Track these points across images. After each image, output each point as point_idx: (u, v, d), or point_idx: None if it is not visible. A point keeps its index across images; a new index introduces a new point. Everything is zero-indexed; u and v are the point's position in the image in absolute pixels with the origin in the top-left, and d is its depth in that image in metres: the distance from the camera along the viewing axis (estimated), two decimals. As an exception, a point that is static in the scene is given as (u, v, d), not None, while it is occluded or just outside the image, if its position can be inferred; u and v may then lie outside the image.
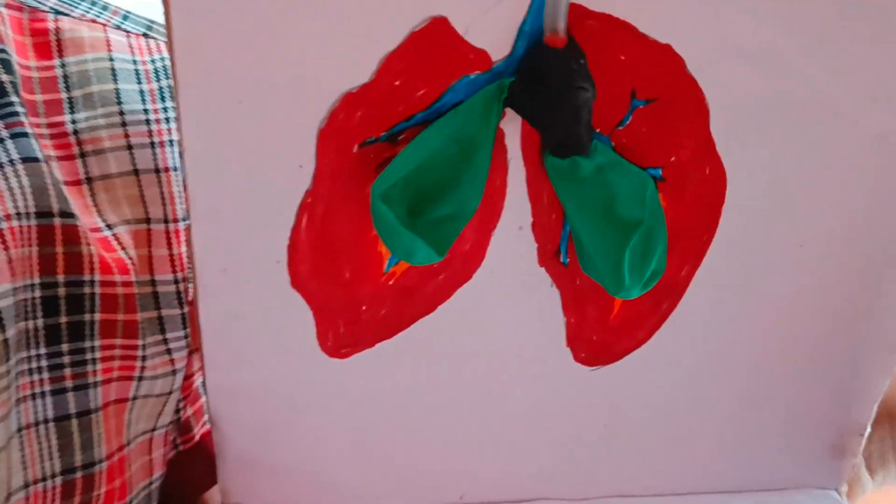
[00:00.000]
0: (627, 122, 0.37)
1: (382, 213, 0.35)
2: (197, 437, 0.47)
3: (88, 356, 0.38)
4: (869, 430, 0.47)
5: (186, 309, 0.42)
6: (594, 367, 0.44)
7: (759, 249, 0.41)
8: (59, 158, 0.38)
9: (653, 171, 0.38)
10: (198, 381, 0.45)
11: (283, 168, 0.37)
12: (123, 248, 0.39)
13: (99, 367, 0.38)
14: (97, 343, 0.38)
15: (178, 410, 0.45)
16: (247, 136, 0.36)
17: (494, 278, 0.41)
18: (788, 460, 0.49)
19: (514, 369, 0.44)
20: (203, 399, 0.46)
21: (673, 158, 0.38)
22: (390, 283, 0.41)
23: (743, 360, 0.45)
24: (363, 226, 0.38)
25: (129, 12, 0.41)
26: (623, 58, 0.35)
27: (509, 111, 0.36)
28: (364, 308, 0.41)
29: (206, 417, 0.47)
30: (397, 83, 0.35)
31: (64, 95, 0.38)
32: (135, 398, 0.41)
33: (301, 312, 0.41)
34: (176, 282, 0.41)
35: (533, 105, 0.35)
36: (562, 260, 0.41)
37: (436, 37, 0.34)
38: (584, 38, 0.35)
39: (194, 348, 0.43)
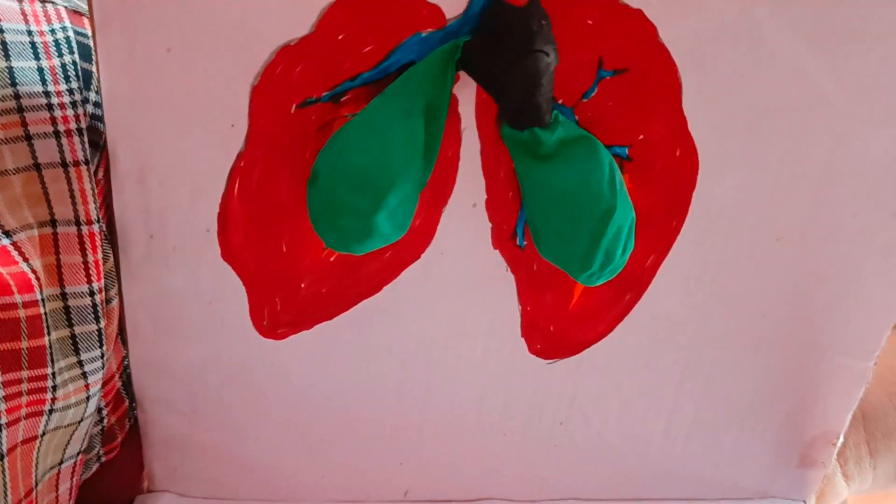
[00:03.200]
0: (593, 94, 0.34)
1: (348, 205, 0.32)
2: (120, 445, 0.43)
3: None
4: (842, 439, 0.45)
5: (103, 323, 0.36)
6: (551, 360, 0.41)
7: (731, 242, 0.38)
8: None
9: (618, 149, 0.35)
10: (119, 384, 0.41)
11: (214, 127, 0.34)
12: (25, 260, 0.33)
13: (3, 406, 0.32)
14: None
15: (101, 421, 0.40)
16: (174, 89, 0.33)
17: (444, 259, 0.38)
18: (754, 469, 0.46)
19: (464, 359, 0.41)
20: (126, 403, 0.42)
21: (641, 137, 0.35)
22: (332, 258, 0.38)
23: (709, 360, 0.42)
24: (302, 194, 0.35)
25: None
26: (590, 22, 0.32)
27: (463, 75, 0.33)
28: (303, 285, 0.38)
29: (128, 424, 0.43)
30: (341, 37, 0.32)
31: None
32: (44, 434, 0.35)
33: (234, 287, 0.38)
34: (91, 293, 0.35)
35: (489, 68, 0.32)
36: (518, 242, 0.38)
37: (384, -13, 0.31)
38: (548, -2, 0.31)
39: (111, 352, 0.38)
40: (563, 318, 0.40)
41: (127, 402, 0.42)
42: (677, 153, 0.36)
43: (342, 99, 0.33)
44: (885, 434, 0.48)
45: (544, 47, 0.32)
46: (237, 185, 0.35)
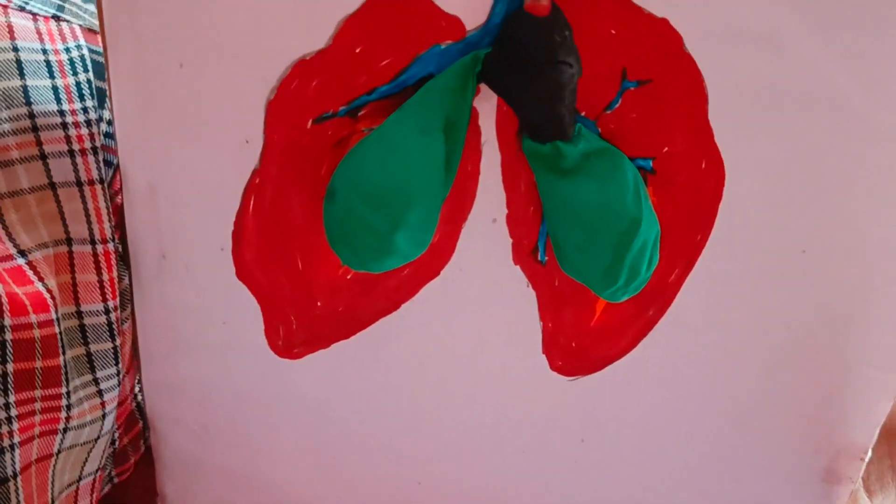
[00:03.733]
0: (616, 106, 0.33)
1: (366, 223, 0.31)
2: (133, 466, 0.42)
3: (2, 415, 0.32)
4: (870, 454, 0.43)
5: (119, 341, 0.36)
6: (572, 378, 0.40)
7: (756, 255, 0.37)
8: None
9: (642, 161, 0.34)
10: (133, 405, 0.40)
11: (228, 143, 0.33)
12: (41, 279, 0.33)
13: (16, 426, 0.32)
14: (11, 399, 0.32)
15: (113, 443, 0.40)
16: (187, 105, 0.32)
17: (464, 275, 0.37)
18: (780, 483, 0.45)
19: (484, 377, 0.40)
20: (140, 424, 0.41)
21: (666, 149, 0.34)
22: (349, 276, 0.37)
23: (735, 375, 0.41)
24: (318, 211, 0.34)
25: None
26: (613, 32, 0.31)
27: (484, 87, 0.32)
28: (319, 303, 0.37)
29: (143, 446, 0.42)
30: (358, 50, 0.31)
31: None
32: (59, 452, 0.35)
33: (248, 306, 0.37)
34: (107, 311, 0.35)
35: (510, 81, 0.31)
36: (539, 258, 0.37)
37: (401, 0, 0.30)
38: (570, 8, 0.31)
39: (126, 371, 0.38)
40: (585, 334, 0.39)
41: (141, 424, 0.42)
42: (703, 165, 0.35)
43: (359, 113, 0.33)
44: None
45: (567, 58, 0.31)
46: (252, 203, 0.34)
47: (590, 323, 0.39)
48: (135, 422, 0.41)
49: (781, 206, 0.36)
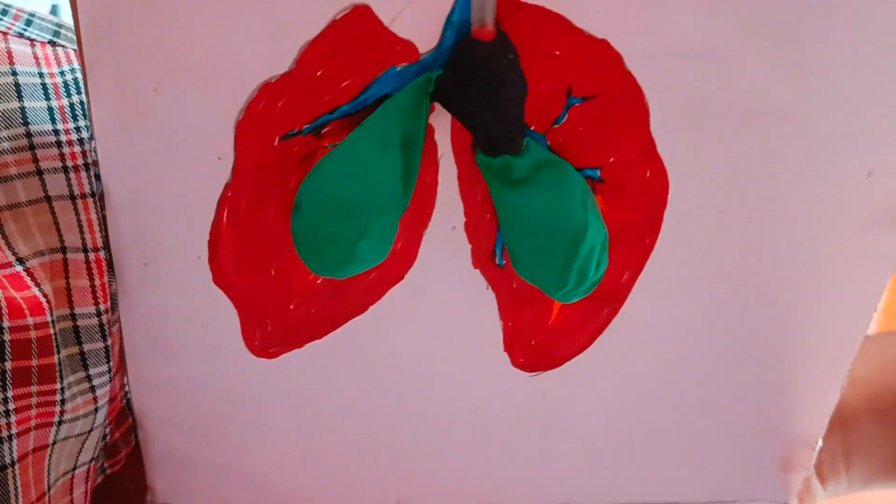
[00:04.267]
0: (563, 121, 0.35)
1: (312, 233, 0.34)
2: (124, 458, 0.45)
3: (1, 408, 0.34)
4: (821, 443, 0.46)
5: (110, 341, 0.38)
6: (534, 373, 0.43)
7: (704, 257, 0.39)
8: None
9: (590, 171, 0.37)
10: (123, 403, 0.43)
11: (202, 160, 0.35)
12: (37, 284, 0.35)
13: (13, 418, 0.35)
14: (9, 394, 0.35)
15: (104, 437, 0.42)
16: (163, 126, 0.34)
17: (427, 279, 0.39)
18: (737, 473, 0.47)
19: (450, 373, 0.42)
20: (130, 420, 0.44)
21: (612, 159, 0.37)
22: (319, 281, 0.39)
23: (687, 370, 0.43)
24: (288, 221, 0.36)
25: (32, 15, 0.38)
26: (558, 53, 0.34)
27: (438, 105, 0.35)
28: (292, 306, 0.40)
29: (133, 440, 0.45)
30: (319, 73, 0.34)
31: None
32: (54, 443, 0.38)
33: (226, 310, 0.39)
34: (98, 314, 0.37)
35: (461, 100, 0.34)
36: (497, 262, 0.39)
37: (359, 26, 0.33)
38: (516, 32, 0.33)
39: (116, 369, 0.40)
40: (544, 332, 0.41)
41: (131, 420, 0.44)
42: (648, 174, 0.37)
43: (323, 131, 0.35)
44: (859, 437, 0.49)
45: (512, 79, 0.33)
46: (226, 214, 0.37)
47: (548, 322, 0.41)
48: (125, 418, 0.44)
49: (725, 212, 0.38)
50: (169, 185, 0.36)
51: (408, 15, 0.33)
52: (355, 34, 0.33)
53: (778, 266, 0.40)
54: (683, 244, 0.39)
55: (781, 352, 0.43)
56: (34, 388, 0.35)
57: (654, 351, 0.42)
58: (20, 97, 0.35)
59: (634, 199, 0.38)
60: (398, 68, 0.34)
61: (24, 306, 0.34)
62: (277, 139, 0.35)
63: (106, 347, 0.38)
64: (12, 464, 0.35)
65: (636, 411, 0.45)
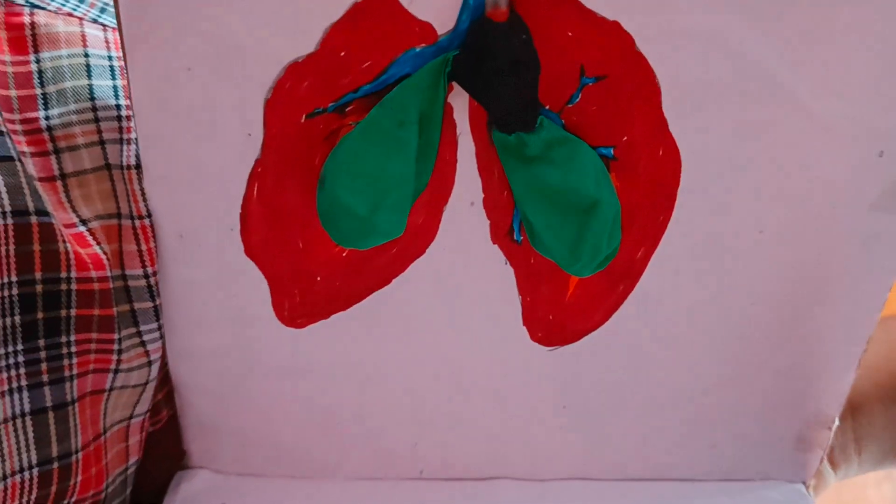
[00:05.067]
0: (577, 100, 0.37)
1: (334, 206, 0.36)
2: (166, 418, 0.48)
3: (64, 350, 0.39)
4: (837, 422, 0.47)
5: (159, 301, 0.42)
6: (552, 348, 0.44)
7: (717, 234, 0.40)
8: (33, 155, 0.38)
9: (604, 150, 0.38)
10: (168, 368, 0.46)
11: (233, 137, 0.37)
12: (98, 243, 0.39)
13: (75, 360, 0.39)
14: (73, 338, 0.39)
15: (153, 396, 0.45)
16: (196, 104, 0.36)
17: (448, 254, 0.41)
18: (754, 451, 0.48)
19: (471, 346, 0.44)
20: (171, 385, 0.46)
21: (625, 138, 0.38)
22: (343, 254, 0.41)
23: (703, 347, 0.44)
24: (314, 196, 0.38)
25: (106, 3, 0.41)
26: (570, 34, 0.35)
27: (457, 85, 0.36)
28: (318, 279, 0.42)
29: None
30: (342, 54, 0.35)
31: (38, 91, 0.38)
32: (111, 389, 0.41)
33: (257, 281, 0.41)
34: (146, 276, 0.41)
35: (476, 80, 0.35)
36: (515, 238, 0.41)
37: (379, 8, 0.34)
38: (529, 13, 0.34)
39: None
40: (561, 307, 0.43)
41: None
42: (660, 153, 0.38)
43: (346, 109, 0.37)
44: (869, 422, 0.50)
45: (525, 59, 0.35)
46: (256, 188, 0.39)
47: (565, 297, 0.43)
48: (168, 381, 0.46)
49: (736, 190, 0.39)
50: (202, 161, 0.38)
51: (426, -3, 0.34)
52: (376, 17, 0.34)
53: (790, 244, 0.41)
54: (697, 222, 0.40)
55: (795, 330, 0.43)
56: (94, 336, 0.40)
57: (670, 328, 0.44)
58: (90, 76, 0.39)
59: (647, 177, 0.39)
60: (417, 49, 0.35)
61: (88, 261, 0.39)
62: (304, 117, 0.37)
63: (155, 307, 0.42)
64: (73, 402, 0.39)
65: (652, 388, 0.46)
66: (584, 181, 0.36)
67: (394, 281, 0.42)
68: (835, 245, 0.40)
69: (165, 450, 0.48)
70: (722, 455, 0.48)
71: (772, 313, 0.43)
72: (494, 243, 0.41)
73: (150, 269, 0.41)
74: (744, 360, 0.45)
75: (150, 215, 0.40)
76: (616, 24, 0.35)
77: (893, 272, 0.41)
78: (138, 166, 0.39)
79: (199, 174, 0.38)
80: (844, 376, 0.45)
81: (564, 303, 0.43)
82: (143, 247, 0.40)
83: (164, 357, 0.44)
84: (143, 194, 0.39)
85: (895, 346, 0.51)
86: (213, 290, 0.42)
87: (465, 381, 0.45)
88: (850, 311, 0.43)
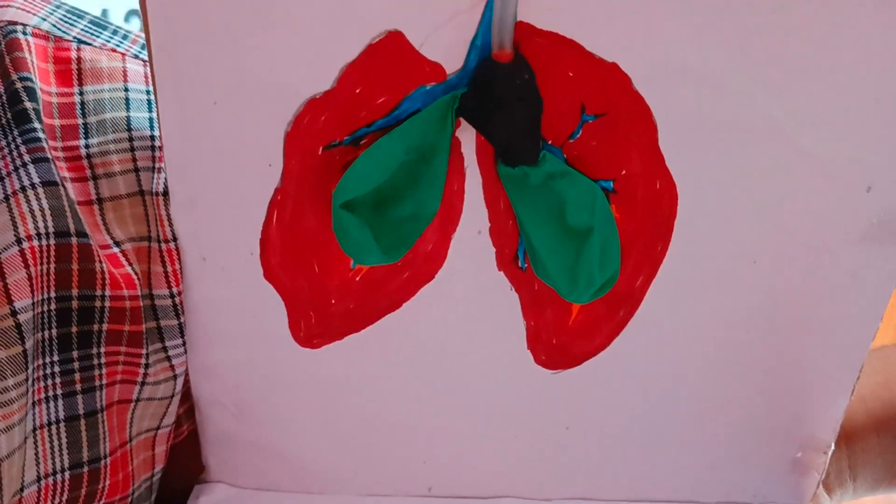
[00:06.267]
0: (578, 136, 0.39)
1: (343, 221, 0.38)
2: (186, 432, 0.50)
3: (95, 361, 0.41)
4: (833, 448, 0.48)
5: (183, 318, 0.44)
6: (555, 371, 0.46)
7: (712, 264, 0.42)
8: (73, 180, 0.41)
9: (604, 182, 0.40)
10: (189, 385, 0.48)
11: (255, 166, 0.40)
12: (130, 264, 0.42)
13: (104, 371, 0.42)
14: (103, 350, 0.41)
15: None
16: (220, 136, 0.39)
17: (456, 279, 0.43)
18: (752, 474, 0.49)
19: (477, 368, 0.46)
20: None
21: (623, 171, 0.40)
22: (357, 278, 0.43)
23: (701, 371, 0.46)
24: (330, 223, 0.41)
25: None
26: (571, 74, 0.37)
27: (464, 121, 0.39)
28: (333, 301, 0.44)
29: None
30: (358, 91, 0.38)
31: (80, 121, 0.41)
32: (138, 400, 0.44)
33: (275, 302, 0.44)
34: (171, 296, 0.43)
35: (482, 116, 0.38)
36: (520, 265, 0.43)
37: (392, 49, 0.37)
38: (533, 55, 0.37)
39: None
40: (564, 332, 0.45)
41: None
42: (658, 185, 0.40)
43: (361, 142, 0.39)
44: (863, 449, 0.51)
45: (528, 97, 0.37)
46: (275, 216, 0.41)
47: (568, 322, 0.45)
48: (189, 396, 0.49)
49: (731, 222, 0.41)
50: (225, 188, 0.40)
51: (436, 39, 0.37)
52: (389, 56, 0.37)
53: (783, 274, 0.42)
54: (693, 252, 0.42)
55: (789, 358, 0.45)
56: (122, 349, 0.42)
57: (669, 353, 0.45)
58: (128, 108, 0.42)
59: (646, 208, 0.41)
60: (427, 87, 0.38)
61: (121, 280, 0.41)
62: (321, 149, 0.39)
63: (180, 324, 0.44)
64: (101, 410, 0.42)
65: (652, 411, 0.47)
66: (581, 211, 0.39)
67: (405, 305, 0.44)
68: (825, 276, 0.42)
69: (185, 463, 0.50)
70: (721, 477, 0.50)
71: (765, 340, 0.45)
72: (500, 270, 0.43)
73: (175, 289, 0.43)
74: (739, 385, 0.46)
75: (175, 239, 0.42)
76: (615, 66, 0.37)
77: (883, 303, 0.43)
78: (166, 193, 0.42)
79: (222, 201, 0.41)
80: (838, 402, 0.46)
81: (567, 328, 0.45)
82: (169, 268, 0.43)
83: (186, 372, 0.46)
84: (169, 219, 0.42)
85: (889, 377, 0.53)
86: (233, 310, 0.44)
87: (471, 401, 0.47)
88: (842, 340, 0.44)
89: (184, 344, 0.45)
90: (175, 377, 0.45)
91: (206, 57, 0.37)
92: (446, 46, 0.37)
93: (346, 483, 0.50)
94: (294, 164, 0.40)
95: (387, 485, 0.50)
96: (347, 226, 0.38)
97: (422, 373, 0.46)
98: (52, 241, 0.39)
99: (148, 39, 0.37)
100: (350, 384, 0.46)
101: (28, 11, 0.42)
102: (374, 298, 0.44)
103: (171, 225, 0.42)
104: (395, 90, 0.38)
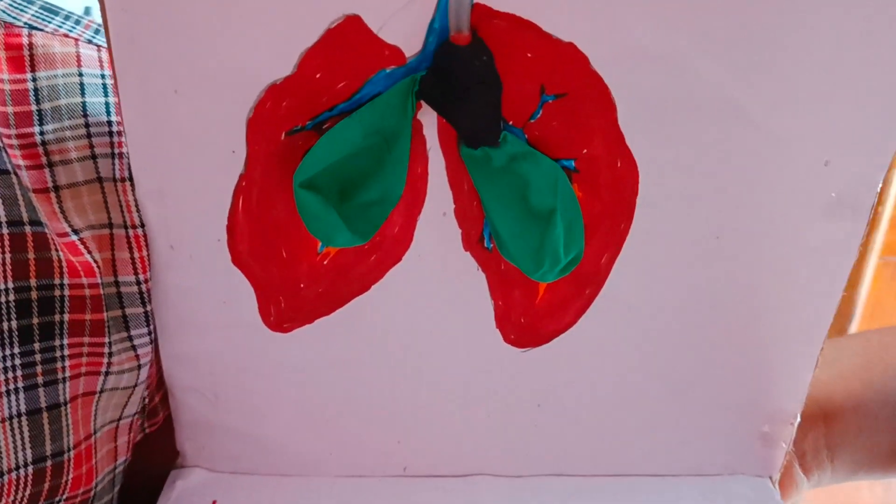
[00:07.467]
0: (538, 116, 0.39)
1: (304, 200, 0.38)
2: (162, 421, 0.51)
3: (58, 353, 0.41)
4: (799, 420, 0.49)
5: (150, 307, 0.44)
6: (524, 349, 0.46)
7: (676, 240, 0.43)
8: (28, 168, 0.40)
9: (566, 162, 0.41)
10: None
11: (218, 153, 0.40)
12: (89, 252, 0.42)
13: (67, 363, 0.41)
14: (66, 341, 0.41)
15: (143, 399, 0.48)
16: (183, 123, 0.39)
17: (423, 261, 0.44)
18: (720, 446, 0.50)
19: (448, 348, 0.46)
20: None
21: (585, 151, 0.40)
22: (325, 262, 0.44)
23: (667, 347, 0.46)
24: (294, 207, 0.41)
25: (101, 25, 0.43)
26: (530, 55, 0.38)
27: (425, 104, 0.39)
28: (302, 286, 0.44)
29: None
30: (318, 76, 0.38)
31: (34, 108, 0.41)
32: (102, 391, 0.44)
33: (244, 288, 0.44)
34: (138, 283, 0.43)
35: (442, 99, 0.38)
36: (485, 245, 0.43)
37: (351, 34, 0.37)
38: (491, 37, 0.37)
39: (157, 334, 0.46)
40: (532, 311, 0.45)
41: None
42: (618, 164, 0.41)
43: (323, 126, 0.39)
44: (842, 430, 0.52)
45: (487, 79, 0.37)
46: (241, 201, 0.41)
47: (535, 301, 0.45)
48: (163, 384, 0.49)
49: (693, 199, 0.42)
50: (190, 176, 0.40)
51: (394, 23, 0.37)
52: (348, 41, 0.37)
53: (746, 250, 0.43)
54: (656, 229, 0.43)
55: (754, 331, 0.46)
56: (86, 339, 0.42)
57: (635, 329, 0.46)
58: (83, 93, 0.42)
59: (608, 187, 0.41)
60: (387, 70, 0.38)
61: (79, 268, 0.41)
62: (284, 134, 0.39)
63: (146, 313, 0.44)
64: (65, 403, 0.42)
65: (621, 387, 0.48)
66: (544, 191, 0.39)
67: (373, 287, 0.44)
68: (787, 250, 0.43)
69: (162, 450, 0.51)
70: (691, 451, 0.50)
71: (730, 315, 0.45)
72: (466, 250, 0.43)
73: (142, 276, 0.43)
74: (706, 359, 0.47)
75: (143, 225, 0.42)
76: (572, 46, 0.38)
77: (843, 277, 0.44)
78: (131, 178, 0.42)
79: (188, 189, 0.41)
80: (803, 375, 0.47)
81: (535, 306, 0.45)
82: (136, 255, 0.43)
83: (159, 361, 0.47)
84: (136, 205, 0.42)
85: (870, 358, 0.54)
86: (203, 296, 0.44)
87: (443, 382, 0.48)
88: (805, 314, 0.45)
89: (150, 333, 0.45)
90: (139, 367, 0.45)
91: (166, 45, 0.37)
92: (405, 30, 0.37)
93: (322, 465, 0.50)
94: (258, 151, 0.40)
95: (362, 466, 0.51)
96: (309, 205, 0.38)
97: (393, 354, 0.47)
98: (5, 231, 0.38)
99: (107, 29, 0.37)
100: (322, 367, 0.47)
101: None
102: (343, 282, 0.44)
103: (138, 211, 0.42)
104: (355, 74, 0.38)
